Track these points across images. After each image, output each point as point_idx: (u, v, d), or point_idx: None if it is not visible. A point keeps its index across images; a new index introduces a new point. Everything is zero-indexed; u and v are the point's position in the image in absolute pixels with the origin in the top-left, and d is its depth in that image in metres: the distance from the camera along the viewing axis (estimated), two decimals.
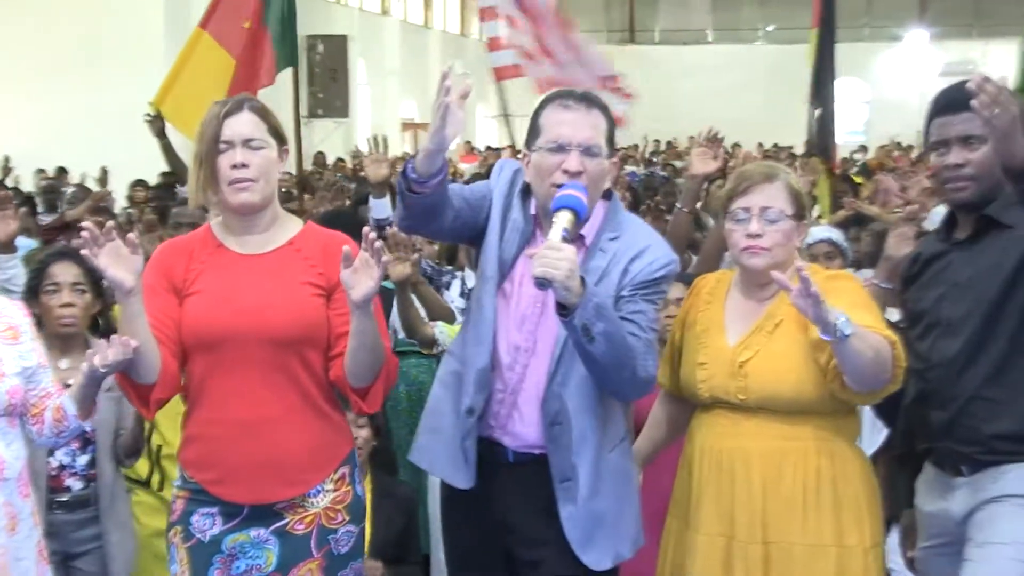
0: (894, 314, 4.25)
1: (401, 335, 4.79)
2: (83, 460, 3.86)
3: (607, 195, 3.21)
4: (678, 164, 19.12)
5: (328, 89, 21.42)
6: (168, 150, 7.75)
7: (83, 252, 2.89)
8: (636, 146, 21.41)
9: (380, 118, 24.64)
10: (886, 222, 6.45)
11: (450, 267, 4.94)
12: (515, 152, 22.66)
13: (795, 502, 3.09)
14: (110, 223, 2.98)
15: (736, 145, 12.87)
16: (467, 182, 9.36)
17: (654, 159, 20.74)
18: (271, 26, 7.45)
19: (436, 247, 5.43)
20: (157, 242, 4.71)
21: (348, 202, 7.31)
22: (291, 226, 3.24)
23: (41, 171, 14.49)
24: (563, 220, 2.86)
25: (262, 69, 7.45)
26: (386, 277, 3.29)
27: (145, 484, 4.26)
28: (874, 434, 4.36)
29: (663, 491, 3.43)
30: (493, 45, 8.22)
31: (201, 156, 3.10)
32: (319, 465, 3.13)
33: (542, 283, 2.78)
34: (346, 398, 3.17)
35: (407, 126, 26.62)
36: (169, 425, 3.97)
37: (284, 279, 3.12)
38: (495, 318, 3.15)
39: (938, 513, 3.20)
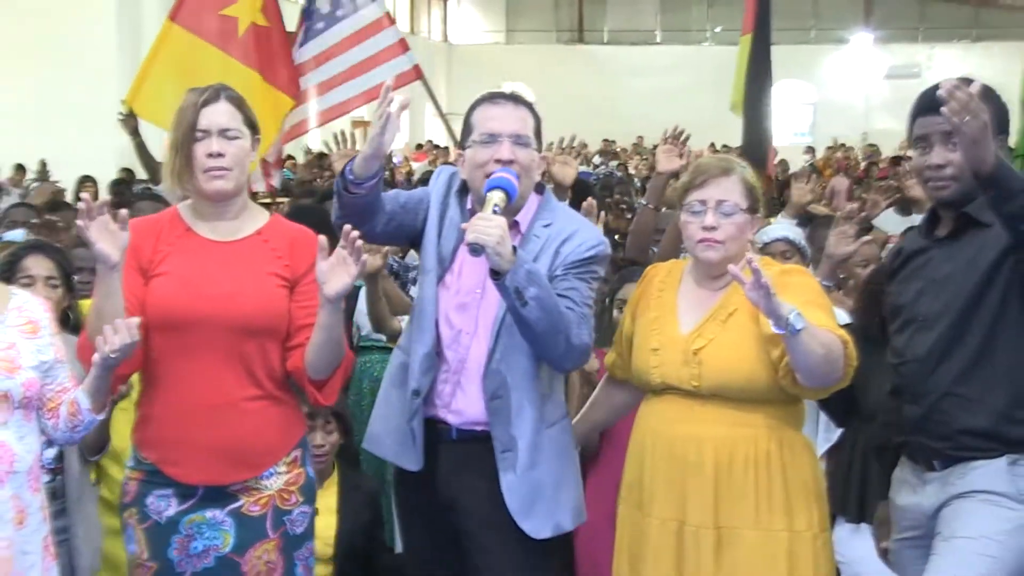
0: (842, 315, 4.32)
1: (364, 331, 4.80)
2: (50, 453, 3.84)
3: (540, 189, 3.40)
4: (613, 164, 19.24)
5: None
6: (141, 148, 7.73)
7: (78, 222, 2.94)
8: (585, 145, 21.49)
9: None
10: (830, 219, 6.55)
11: (417, 264, 4.94)
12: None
13: (747, 488, 3.15)
14: (104, 198, 3.02)
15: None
16: (420, 179, 9.37)
17: (597, 158, 20.83)
18: None
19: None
20: None
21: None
22: (259, 216, 3.31)
23: None
24: (494, 197, 3.09)
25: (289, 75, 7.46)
26: None
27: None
28: (830, 430, 4.40)
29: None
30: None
31: (177, 143, 3.16)
32: (273, 449, 3.21)
33: (475, 248, 2.98)
34: (301, 389, 3.24)
35: (357, 124, 26.47)
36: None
37: (252, 268, 3.19)
38: (436, 307, 3.33)
39: (910, 506, 3.25)
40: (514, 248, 3.05)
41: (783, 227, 5.09)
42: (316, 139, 22.45)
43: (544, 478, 3.28)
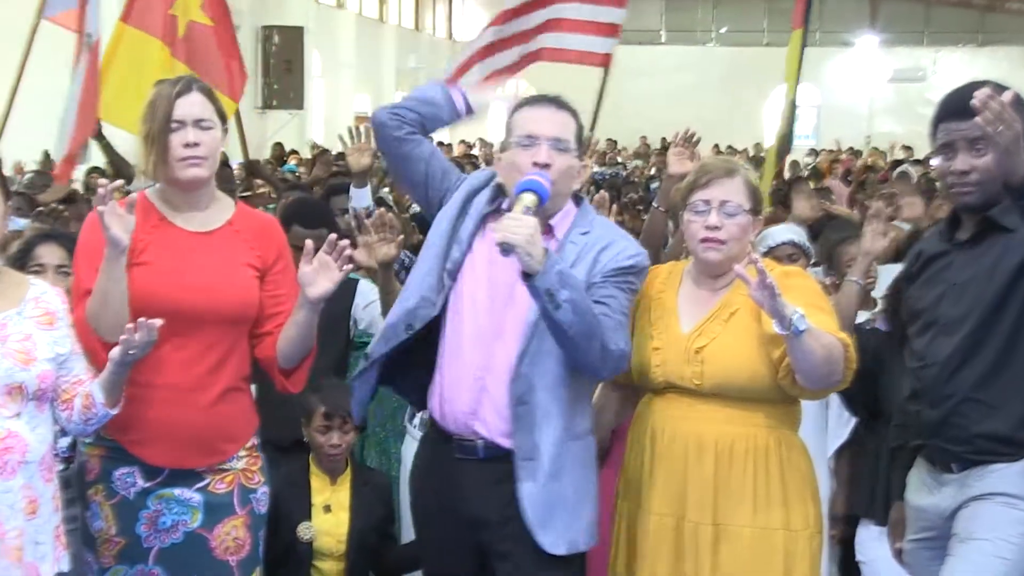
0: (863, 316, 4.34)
1: (363, 325, 4.80)
2: (64, 443, 3.84)
3: (577, 200, 3.34)
4: (630, 164, 19.24)
5: (283, 80, 21.30)
6: (108, 150, 7.75)
7: (98, 208, 2.99)
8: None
9: (334, 111, 24.55)
10: (844, 221, 6.56)
11: None
12: (468, 147, 22.62)
13: (746, 486, 3.18)
14: (118, 181, 3.07)
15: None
16: None
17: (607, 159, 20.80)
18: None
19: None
20: None
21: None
22: (227, 206, 3.37)
23: None
24: (525, 199, 3.02)
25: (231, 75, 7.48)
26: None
27: None
28: (839, 428, 4.43)
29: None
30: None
31: (153, 135, 3.20)
32: (238, 436, 3.29)
33: (504, 248, 2.92)
34: (270, 376, 3.32)
35: (360, 120, 26.51)
36: None
37: (229, 259, 3.26)
38: (427, 279, 3.31)
39: (927, 507, 3.26)
40: (545, 250, 2.98)
41: (788, 230, 5.10)
42: (320, 134, 22.49)
43: (566, 491, 3.20)
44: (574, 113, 3.32)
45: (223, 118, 3.32)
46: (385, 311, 4.12)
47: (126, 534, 3.20)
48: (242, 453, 3.30)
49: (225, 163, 12.21)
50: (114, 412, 3.12)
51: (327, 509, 4.32)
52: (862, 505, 4.08)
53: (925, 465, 3.29)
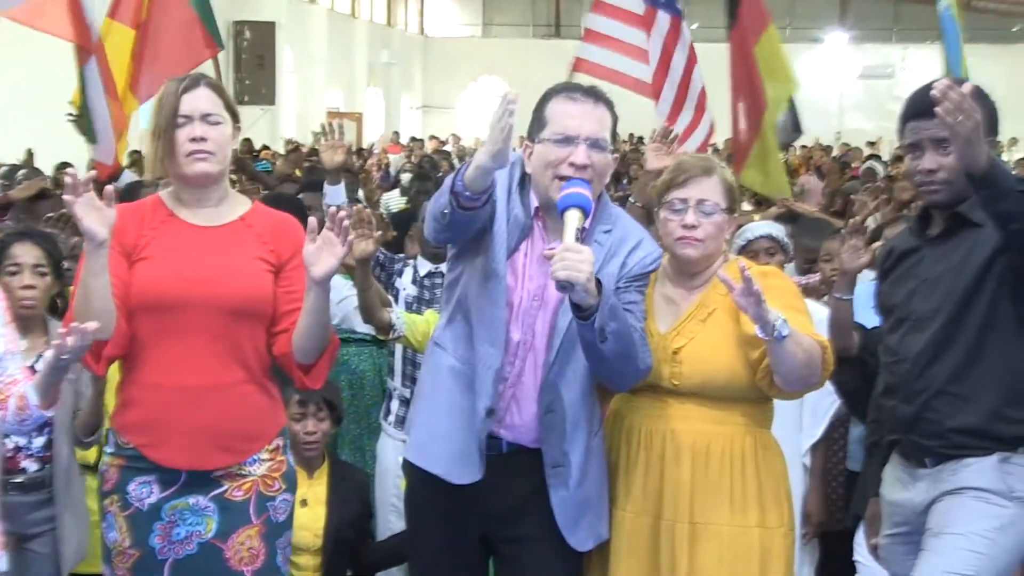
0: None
1: (335, 321, 4.78)
2: (39, 442, 3.84)
3: None
4: None
5: (255, 75, 21.22)
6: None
7: (65, 198, 2.92)
8: None
9: (306, 106, 24.48)
10: (816, 220, 6.59)
11: (401, 255, 4.94)
12: (440, 143, 22.54)
13: (723, 484, 3.18)
14: (91, 172, 3.03)
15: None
16: (397, 172, 9.26)
17: None
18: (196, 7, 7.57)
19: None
20: None
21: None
22: (241, 204, 3.32)
23: None
24: (575, 220, 2.89)
25: (200, 44, 7.55)
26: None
27: (92, 468, 4.25)
28: (813, 426, 4.45)
29: None
30: (589, 37, 7.96)
31: (160, 130, 3.17)
32: (256, 435, 3.22)
33: (564, 286, 2.82)
34: (288, 374, 3.24)
35: (332, 115, 26.48)
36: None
37: (236, 252, 3.20)
38: (508, 318, 3.13)
39: (902, 502, 3.28)
40: (598, 281, 2.88)
41: (766, 224, 5.11)
42: (292, 129, 22.43)
43: (592, 491, 3.20)
44: (610, 105, 3.18)
45: (234, 115, 3.28)
46: (362, 308, 4.10)
47: (140, 546, 3.13)
48: (264, 456, 3.22)
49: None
50: (49, 414, 3.05)
51: (304, 503, 4.30)
52: (861, 505, 4.09)
53: (899, 460, 3.31)
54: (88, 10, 6.97)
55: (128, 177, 7.74)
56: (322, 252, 3.00)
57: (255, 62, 21.07)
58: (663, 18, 7.77)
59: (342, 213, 3.02)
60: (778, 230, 4.88)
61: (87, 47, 6.95)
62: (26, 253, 3.89)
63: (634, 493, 3.25)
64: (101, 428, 3.92)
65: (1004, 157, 18.82)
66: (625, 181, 13.65)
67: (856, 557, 4.14)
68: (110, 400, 3.97)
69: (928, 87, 2.94)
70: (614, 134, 3.19)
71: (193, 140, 3.14)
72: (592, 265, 2.83)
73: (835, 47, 32.85)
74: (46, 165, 11.98)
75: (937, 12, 9.24)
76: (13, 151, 13.18)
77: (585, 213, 2.94)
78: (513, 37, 33.70)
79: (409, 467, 3.35)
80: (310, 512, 4.36)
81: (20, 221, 5.64)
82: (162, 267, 3.14)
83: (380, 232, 4.18)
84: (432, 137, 24.27)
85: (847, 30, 33.07)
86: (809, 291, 4.64)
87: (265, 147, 19.01)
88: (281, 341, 3.19)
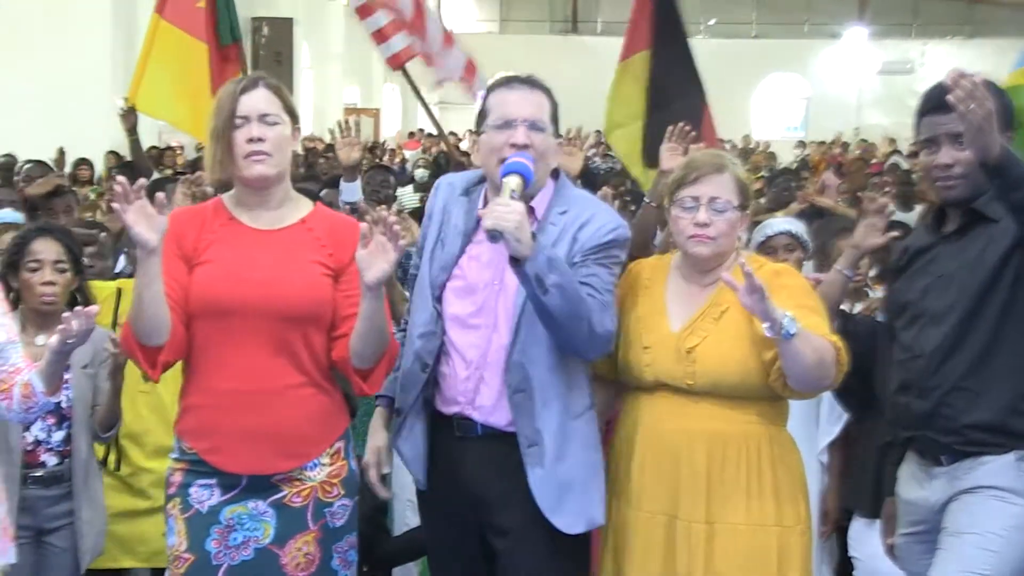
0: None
1: None
2: (58, 436, 3.86)
3: (555, 175, 3.33)
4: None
5: (272, 71, 20.98)
6: (136, 146, 7.79)
7: (114, 206, 2.94)
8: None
9: (323, 102, 24.51)
10: (839, 216, 6.57)
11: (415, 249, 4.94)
12: (457, 138, 22.54)
13: (739, 483, 3.17)
14: (141, 180, 3.03)
15: None
16: (412, 168, 9.30)
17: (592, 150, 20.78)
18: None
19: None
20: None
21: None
22: (303, 205, 3.31)
23: None
24: (511, 183, 3.02)
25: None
26: None
27: (102, 463, 4.28)
28: (831, 423, 4.43)
29: None
30: (379, 37, 8.11)
31: (218, 132, 3.16)
32: (317, 439, 3.20)
33: (493, 235, 2.93)
34: (347, 379, 3.23)
35: (349, 111, 26.51)
36: (127, 405, 4.01)
37: (295, 256, 3.18)
38: (443, 321, 3.27)
39: (918, 501, 3.27)
40: (533, 235, 2.98)
41: (786, 221, 5.09)
42: (309, 126, 22.43)
43: (573, 471, 3.19)
44: (547, 91, 3.31)
45: (294, 115, 3.26)
46: (391, 309, 4.12)
47: (196, 550, 3.13)
48: (324, 459, 3.20)
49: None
50: (55, 401, 3.10)
51: None
52: (853, 498, 4.08)
53: (915, 458, 3.30)
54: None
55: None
56: (375, 256, 2.99)
57: (273, 58, 21.09)
58: None
59: (392, 218, 3.03)
60: (797, 226, 4.86)
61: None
62: (47, 249, 3.90)
63: (649, 493, 3.23)
64: (119, 423, 3.95)
65: None
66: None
67: (852, 553, 4.13)
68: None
69: (944, 82, 2.92)
70: (555, 120, 3.30)
71: (250, 141, 3.13)
72: (523, 217, 2.94)
73: (854, 42, 32.72)
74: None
75: None
76: (45, 149, 13.24)
77: (525, 179, 3.06)
78: (530, 33, 33.67)
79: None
80: None
81: (35, 218, 5.65)
82: (221, 273, 3.14)
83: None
84: (451, 133, 24.28)
85: (866, 25, 32.94)
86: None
87: None
88: (340, 346, 3.16)
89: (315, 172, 10.94)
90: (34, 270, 3.87)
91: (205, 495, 3.15)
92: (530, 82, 3.31)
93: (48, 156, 12.46)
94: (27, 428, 3.79)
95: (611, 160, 16.88)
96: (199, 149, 11.97)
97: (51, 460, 3.86)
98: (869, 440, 4.06)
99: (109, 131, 7.70)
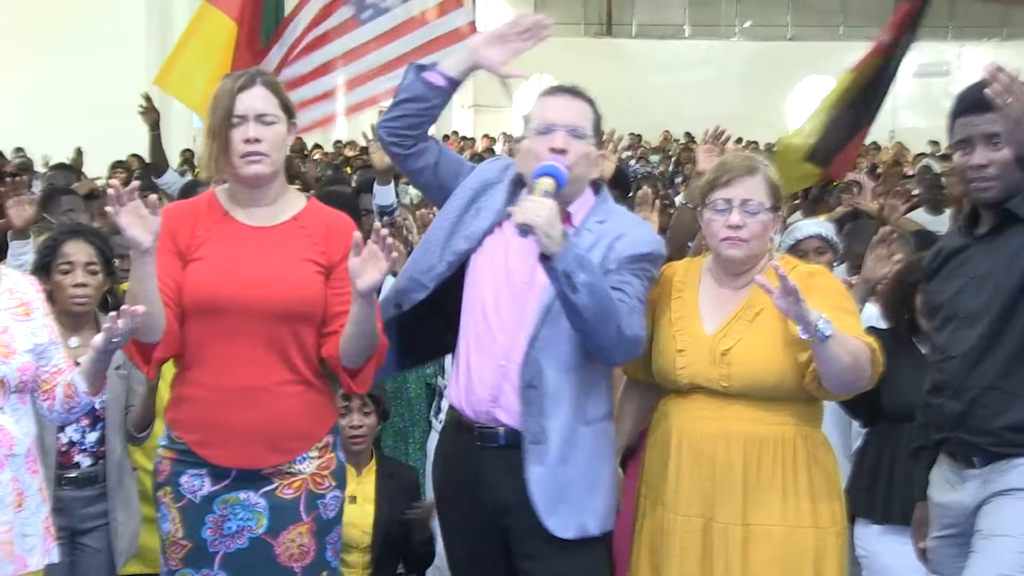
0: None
1: None
2: (92, 437, 3.89)
3: (596, 188, 3.36)
4: (653, 159, 19.19)
5: None
6: (156, 142, 7.79)
7: (107, 209, 2.96)
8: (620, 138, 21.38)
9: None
10: (873, 219, 6.53)
11: None
12: (491, 140, 22.56)
13: (775, 485, 3.17)
14: (135, 183, 3.05)
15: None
16: None
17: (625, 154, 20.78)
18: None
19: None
20: None
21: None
22: (296, 201, 3.33)
23: (19, 150, 14.41)
24: (543, 184, 3.04)
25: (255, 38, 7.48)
26: None
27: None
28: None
29: None
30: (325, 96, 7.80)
31: (214, 130, 3.18)
32: (306, 434, 3.23)
33: (524, 229, 2.94)
34: (336, 376, 3.26)
35: (383, 115, 26.49)
36: None
37: (288, 254, 3.21)
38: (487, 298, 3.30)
39: (950, 504, 3.24)
40: (564, 233, 3.00)
41: (816, 223, 5.09)
42: (343, 129, 22.48)
43: (574, 476, 3.19)
44: (591, 102, 3.34)
45: (290, 112, 3.28)
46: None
47: (192, 538, 3.18)
48: (313, 453, 3.23)
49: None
50: (97, 400, 3.13)
51: (352, 500, 4.32)
52: (859, 504, 4.06)
53: (947, 461, 3.28)
54: None
55: (174, 178, 7.79)
56: (367, 265, 3.03)
57: None
58: None
59: (384, 230, 3.06)
60: (827, 229, 4.86)
61: None
62: (78, 251, 3.93)
63: (685, 496, 3.23)
64: (153, 424, 3.97)
65: None
66: (679, 179, 13.64)
67: (858, 552, 4.11)
68: (164, 391, 4.01)
69: (980, 84, 2.91)
70: (598, 130, 3.33)
71: (247, 142, 3.16)
72: (553, 213, 2.95)
73: None
74: (98, 165, 12.13)
75: None
76: (64, 150, 13.35)
77: (558, 182, 3.07)
78: (565, 36, 33.64)
79: (433, 464, 3.53)
80: (359, 509, 4.37)
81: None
82: (215, 271, 3.17)
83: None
84: (484, 136, 24.30)
85: None
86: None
87: (317, 146, 19.11)
88: (330, 343, 3.20)
89: (342, 175, 11.00)
90: (66, 272, 3.90)
91: (196, 484, 3.18)
92: (573, 91, 3.36)
93: (66, 157, 12.62)
94: (62, 429, 3.82)
95: (647, 164, 16.88)
96: None
97: (85, 461, 3.89)
98: (881, 446, 4.07)
99: (142, 128, 7.70)
